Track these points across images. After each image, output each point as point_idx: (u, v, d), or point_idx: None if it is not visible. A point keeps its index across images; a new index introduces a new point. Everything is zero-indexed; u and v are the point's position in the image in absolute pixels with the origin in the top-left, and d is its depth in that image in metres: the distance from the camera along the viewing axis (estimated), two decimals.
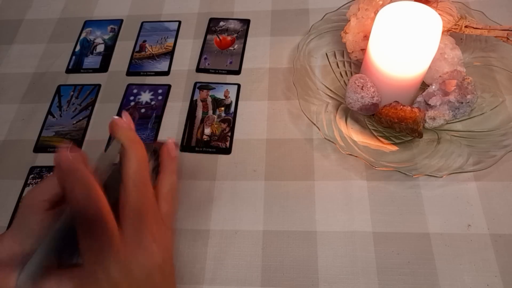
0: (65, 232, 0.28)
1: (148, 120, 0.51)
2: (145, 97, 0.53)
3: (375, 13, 0.44)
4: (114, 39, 0.59)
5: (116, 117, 0.33)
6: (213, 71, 0.54)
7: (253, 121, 0.49)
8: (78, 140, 0.50)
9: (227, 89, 0.52)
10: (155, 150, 0.36)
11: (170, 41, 0.58)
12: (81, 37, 0.60)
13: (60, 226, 0.28)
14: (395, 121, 0.42)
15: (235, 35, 0.58)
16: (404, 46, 0.40)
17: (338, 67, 0.51)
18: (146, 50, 0.58)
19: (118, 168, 0.31)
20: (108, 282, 0.27)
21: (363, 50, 0.49)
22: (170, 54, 0.57)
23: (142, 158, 0.31)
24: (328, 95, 0.48)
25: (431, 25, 0.39)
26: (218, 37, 0.58)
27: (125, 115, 0.33)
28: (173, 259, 0.33)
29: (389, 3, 0.43)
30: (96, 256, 0.27)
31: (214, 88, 0.53)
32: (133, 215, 0.29)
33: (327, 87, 0.49)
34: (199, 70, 0.55)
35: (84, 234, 0.27)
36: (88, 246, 0.27)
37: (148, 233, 0.29)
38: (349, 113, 0.47)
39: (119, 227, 0.28)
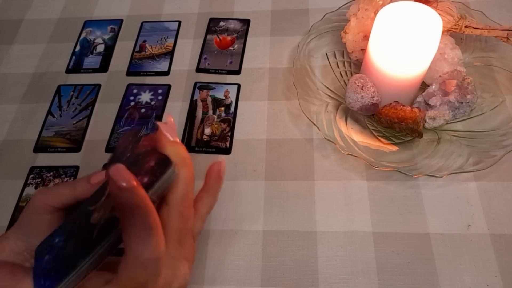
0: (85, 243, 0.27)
1: (148, 120, 0.51)
2: (145, 97, 0.53)
3: (375, 13, 0.44)
4: (114, 39, 0.59)
5: (161, 123, 0.28)
6: (213, 71, 0.54)
7: (253, 121, 0.49)
8: (78, 140, 0.50)
9: (227, 89, 0.52)
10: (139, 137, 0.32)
11: (170, 41, 0.58)
12: (81, 37, 0.60)
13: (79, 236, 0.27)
14: (395, 121, 0.42)
15: (235, 35, 0.58)
16: (404, 46, 0.40)
17: (338, 67, 0.51)
18: (146, 50, 0.58)
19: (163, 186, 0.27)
20: None
21: (363, 50, 0.49)
22: (170, 54, 0.57)
23: (190, 180, 0.28)
24: (328, 95, 0.48)
25: (431, 25, 0.39)
26: (218, 37, 0.58)
27: (170, 120, 0.28)
28: None
29: (389, 3, 0.43)
30: (136, 278, 0.26)
31: (214, 88, 0.53)
32: (174, 242, 0.28)
33: (327, 87, 0.49)
34: (199, 70, 0.55)
35: (137, 274, 0.26)
36: (135, 283, 0.26)
37: (184, 258, 0.29)
38: (349, 113, 0.47)
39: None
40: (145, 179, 0.26)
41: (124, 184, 0.24)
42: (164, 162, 0.27)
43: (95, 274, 0.27)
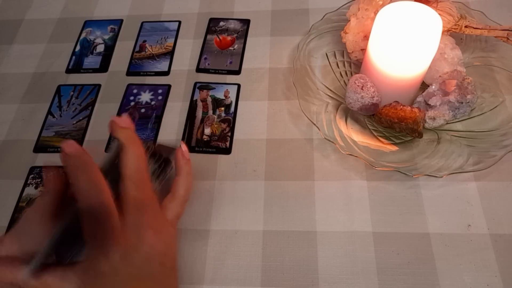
0: (67, 232, 0.29)
1: (148, 120, 0.51)
2: (145, 97, 0.53)
3: (375, 13, 0.44)
4: (114, 39, 0.59)
5: (116, 116, 0.34)
6: (213, 71, 0.54)
7: (253, 121, 0.49)
8: (78, 140, 0.50)
9: (227, 89, 0.52)
10: (154, 153, 0.36)
11: (170, 41, 0.58)
12: (81, 37, 0.60)
13: (63, 226, 0.29)
14: (395, 121, 0.42)
15: (235, 35, 0.58)
16: (404, 46, 0.40)
17: (338, 67, 0.51)
18: (146, 50, 0.58)
19: (117, 166, 0.31)
20: (110, 268, 0.28)
21: (363, 50, 0.49)
22: (170, 54, 0.57)
23: (140, 155, 0.32)
24: (328, 95, 0.48)
25: (431, 25, 0.39)
26: (218, 37, 0.58)
27: (125, 116, 0.35)
28: (176, 258, 0.34)
29: (389, 3, 0.43)
30: (99, 243, 0.28)
31: (214, 88, 0.53)
32: (132, 208, 0.30)
33: (327, 87, 0.49)
34: (199, 70, 0.55)
35: (88, 222, 0.28)
36: (92, 234, 0.28)
37: (147, 226, 0.30)
38: (349, 113, 0.47)
39: (120, 219, 0.29)
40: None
41: (68, 149, 0.29)
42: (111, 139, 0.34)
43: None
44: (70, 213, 0.29)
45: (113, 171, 0.31)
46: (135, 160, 0.31)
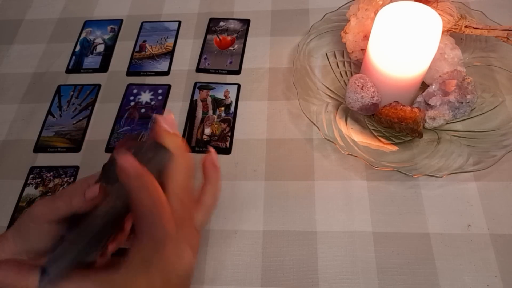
0: (92, 241, 0.28)
1: (148, 120, 0.51)
2: (145, 97, 0.53)
3: (375, 13, 0.44)
4: (114, 39, 0.59)
5: (159, 115, 0.30)
6: (213, 71, 0.54)
7: (253, 121, 0.49)
8: (78, 140, 0.50)
9: (227, 89, 0.52)
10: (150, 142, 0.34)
11: (170, 41, 0.58)
12: (81, 37, 0.60)
13: (88, 236, 0.28)
14: (395, 121, 0.42)
15: (235, 35, 0.58)
16: (404, 46, 0.40)
17: (338, 67, 0.51)
18: (146, 50, 0.58)
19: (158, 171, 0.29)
20: (147, 286, 0.27)
21: (363, 50, 0.49)
22: (170, 54, 0.57)
23: (188, 167, 0.30)
24: (328, 95, 0.48)
25: (431, 25, 0.39)
26: (218, 37, 0.58)
27: (169, 114, 0.31)
28: None
29: (389, 3, 0.43)
30: (146, 262, 0.27)
31: (214, 88, 0.53)
32: (176, 225, 0.28)
33: (327, 87, 0.49)
34: (199, 70, 0.55)
35: (144, 243, 0.27)
36: (143, 254, 0.27)
37: (186, 242, 0.29)
38: (349, 113, 0.47)
39: None
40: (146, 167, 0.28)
41: (128, 165, 0.27)
42: (163, 153, 0.29)
43: (102, 261, 0.29)
44: (95, 220, 0.28)
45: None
46: (183, 174, 0.29)
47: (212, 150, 0.35)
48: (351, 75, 0.50)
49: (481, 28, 0.46)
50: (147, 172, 0.27)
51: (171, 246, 0.28)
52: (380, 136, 0.45)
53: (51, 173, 0.47)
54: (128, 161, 0.27)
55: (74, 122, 0.52)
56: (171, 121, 0.31)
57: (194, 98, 0.52)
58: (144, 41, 0.59)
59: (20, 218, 0.31)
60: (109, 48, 0.58)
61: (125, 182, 0.27)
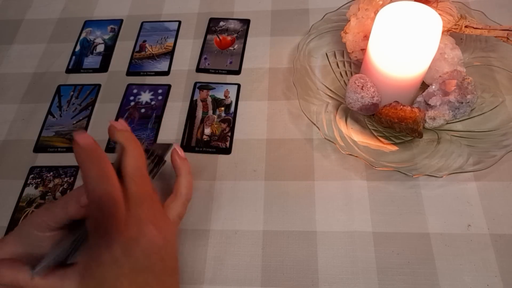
0: (77, 240, 0.31)
1: (148, 120, 0.51)
2: (145, 97, 0.53)
3: (375, 13, 0.44)
4: (114, 39, 0.59)
5: (113, 121, 0.35)
6: (213, 71, 0.54)
7: (253, 121, 0.49)
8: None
9: (227, 89, 0.52)
10: (147, 150, 0.37)
11: (170, 41, 0.58)
12: (81, 37, 0.60)
13: (74, 236, 0.31)
14: (395, 121, 0.42)
15: (235, 35, 0.58)
16: (404, 46, 0.40)
17: (338, 67, 0.51)
18: (146, 50, 0.58)
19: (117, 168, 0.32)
20: (111, 259, 0.28)
21: (363, 50, 0.49)
22: (170, 54, 0.57)
23: (139, 154, 0.33)
24: (328, 95, 0.48)
25: (431, 25, 0.39)
26: (218, 37, 0.58)
27: (121, 120, 0.35)
28: (177, 257, 0.34)
29: (389, 3, 0.43)
30: (103, 233, 0.28)
31: (214, 88, 0.53)
32: (133, 203, 0.30)
33: (327, 87, 0.49)
34: (199, 70, 0.55)
35: (95, 212, 0.28)
36: (97, 224, 0.29)
37: (148, 221, 0.31)
38: (349, 113, 0.47)
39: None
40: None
41: (81, 141, 0.29)
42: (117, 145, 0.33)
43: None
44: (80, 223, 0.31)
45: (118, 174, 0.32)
46: (134, 159, 0.32)
47: (175, 144, 0.40)
48: (351, 75, 0.50)
49: (481, 28, 0.46)
50: (98, 147, 0.29)
51: (127, 218, 0.29)
52: (380, 136, 0.45)
53: (51, 173, 0.47)
54: (83, 136, 0.29)
55: (74, 122, 0.52)
56: (123, 122, 0.35)
57: (194, 98, 0.52)
58: (144, 41, 0.59)
59: (22, 225, 0.33)
60: (109, 48, 0.59)
61: (77, 154, 0.29)
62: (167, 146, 0.41)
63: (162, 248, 0.31)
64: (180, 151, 0.39)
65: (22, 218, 0.44)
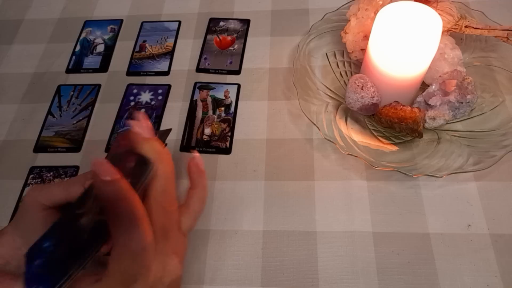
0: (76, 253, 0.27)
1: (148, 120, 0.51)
2: (145, 97, 0.53)
3: (375, 13, 0.44)
4: (114, 39, 0.59)
5: (133, 122, 0.29)
6: (213, 71, 0.54)
7: (253, 121, 0.49)
8: (78, 140, 0.50)
9: (227, 89, 0.52)
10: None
11: (170, 41, 0.58)
12: (81, 37, 0.60)
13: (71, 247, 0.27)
14: (395, 121, 0.42)
15: (235, 35, 0.58)
16: (404, 46, 0.40)
17: (338, 67, 0.51)
18: (146, 50, 0.58)
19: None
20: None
21: (363, 50, 0.49)
22: (170, 54, 0.57)
23: (169, 174, 0.29)
24: (328, 95, 0.48)
25: (431, 25, 0.39)
26: (218, 37, 0.58)
27: (142, 116, 0.30)
28: None
29: (389, 3, 0.43)
30: (129, 281, 0.26)
31: (214, 88, 0.53)
32: (159, 236, 0.28)
33: (327, 87, 0.49)
34: (199, 70, 0.55)
35: (125, 264, 0.26)
36: (124, 274, 0.26)
37: (172, 252, 0.29)
38: (349, 113, 0.47)
39: None
40: (128, 180, 0.26)
41: (108, 178, 0.24)
42: (143, 162, 0.27)
43: (83, 274, 0.27)
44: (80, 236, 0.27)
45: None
46: (164, 180, 0.28)
47: (196, 154, 0.34)
48: (351, 75, 0.50)
49: (481, 28, 0.46)
50: (122, 179, 0.26)
51: (154, 256, 0.27)
52: (380, 136, 0.45)
53: (51, 173, 0.47)
54: (103, 165, 0.25)
55: (74, 122, 0.52)
56: (145, 123, 0.29)
57: (194, 98, 0.52)
58: (144, 41, 0.59)
59: (17, 212, 0.32)
60: (109, 48, 0.58)
61: (99, 188, 0.26)
62: (168, 131, 0.40)
63: (180, 274, 0.30)
64: (200, 163, 0.34)
65: None
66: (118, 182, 0.25)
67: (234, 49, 0.56)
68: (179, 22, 0.60)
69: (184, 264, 0.32)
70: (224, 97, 0.52)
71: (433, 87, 0.44)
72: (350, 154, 0.42)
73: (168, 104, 0.52)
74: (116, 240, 0.26)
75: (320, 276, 0.39)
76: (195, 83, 0.53)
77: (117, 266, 0.26)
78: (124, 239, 0.26)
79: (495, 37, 0.46)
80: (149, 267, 0.27)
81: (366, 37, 0.47)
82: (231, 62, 0.55)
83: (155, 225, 0.27)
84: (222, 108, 0.51)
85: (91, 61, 0.57)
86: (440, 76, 0.45)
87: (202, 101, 0.52)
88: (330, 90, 0.49)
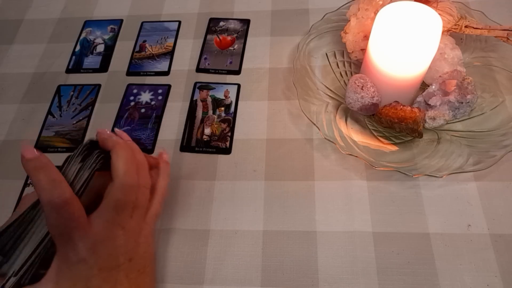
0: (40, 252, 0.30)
1: (148, 120, 0.51)
2: (145, 97, 0.53)
3: (375, 13, 0.44)
4: (114, 39, 0.59)
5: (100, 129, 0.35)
6: (213, 71, 0.54)
7: (253, 121, 0.49)
8: (78, 140, 0.50)
9: (227, 89, 0.52)
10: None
11: (170, 41, 0.58)
12: (81, 37, 0.60)
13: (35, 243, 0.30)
14: (395, 121, 0.42)
15: (235, 35, 0.58)
16: (404, 46, 0.40)
17: (338, 67, 0.51)
18: (146, 50, 0.58)
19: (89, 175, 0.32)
20: (78, 258, 0.29)
21: (363, 50, 0.49)
22: (170, 54, 0.57)
23: (130, 159, 0.33)
24: (328, 95, 0.48)
25: (431, 25, 0.39)
26: (218, 37, 0.58)
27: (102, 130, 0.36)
28: (154, 256, 0.35)
29: (389, 3, 0.43)
30: (65, 234, 0.29)
31: (214, 88, 0.53)
32: (110, 206, 0.31)
33: (327, 87, 0.49)
34: (199, 70, 0.55)
35: (51, 216, 0.29)
36: (56, 226, 0.29)
37: (118, 224, 0.32)
38: (349, 113, 0.47)
39: (94, 213, 0.31)
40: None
41: (27, 154, 0.30)
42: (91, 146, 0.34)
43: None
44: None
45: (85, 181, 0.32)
46: (124, 164, 0.33)
47: (163, 150, 0.41)
48: (351, 75, 0.50)
49: (481, 28, 0.46)
50: (44, 157, 0.30)
51: (98, 224, 0.30)
52: (380, 136, 0.45)
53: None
54: (28, 151, 0.30)
55: (74, 122, 0.52)
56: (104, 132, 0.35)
57: (194, 98, 0.52)
58: (144, 41, 0.59)
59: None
60: (109, 48, 0.59)
61: (25, 167, 0.30)
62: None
63: (130, 250, 0.32)
64: (166, 155, 0.40)
65: None
66: (39, 157, 0.30)
67: (234, 49, 0.56)
68: (179, 22, 0.60)
69: (150, 255, 0.35)
70: (224, 97, 0.52)
71: (433, 87, 0.44)
72: (350, 154, 0.42)
73: (168, 104, 0.52)
74: (41, 198, 0.29)
75: (320, 276, 0.39)
76: (195, 83, 0.53)
77: (51, 227, 0.29)
78: (45, 196, 0.29)
79: (495, 37, 0.46)
80: (74, 219, 0.29)
81: (366, 37, 0.47)
82: (231, 62, 0.55)
83: (109, 199, 0.32)
84: (222, 108, 0.51)
85: (91, 61, 0.57)
86: (440, 76, 0.45)
87: (202, 101, 0.52)
88: (330, 90, 0.49)
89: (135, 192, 0.33)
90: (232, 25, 0.59)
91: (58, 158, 0.48)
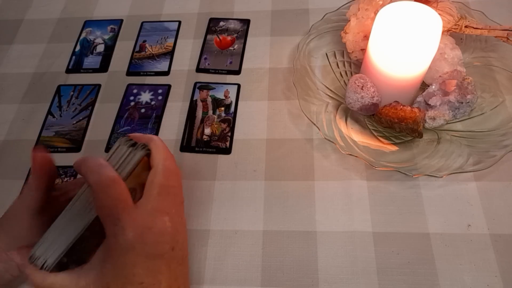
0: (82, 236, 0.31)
1: (148, 120, 0.51)
2: (145, 97, 0.53)
3: (375, 13, 0.44)
4: (114, 39, 0.59)
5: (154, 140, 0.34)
6: (213, 71, 0.54)
7: (253, 121, 0.49)
8: (78, 140, 0.50)
9: (227, 89, 0.52)
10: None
11: (170, 41, 0.58)
12: (81, 37, 0.60)
13: (78, 230, 0.31)
14: (395, 121, 0.42)
15: (235, 35, 0.58)
16: (404, 46, 0.40)
17: (338, 67, 0.51)
18: (146, 50, 0.58)
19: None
20: (128, 247, 0.29)
21: (363, 50, 0.49)
22: (170, 54, 0.57)
23: (165, 149, 0.33)
24: (328, 95, 0.48)
25: (431, 25, 0.40)
26: (218, 37, 0.58)
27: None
28: (187, 249, 0.34)
29: (389, 3, 0.43)
30: (114, 217, 0.29)
31: (214, 88, 0.53)
32: (155, 193, 0.31)
33: (327, 87, 0.49)
34: (199, 70, 0.55)
35: (102, 201, 0.29)
36: (107, 213, 0.29)
37: (163, 211, 0.31)
38: (349, 113, 0.47)
39: (140, 200, 0.31)
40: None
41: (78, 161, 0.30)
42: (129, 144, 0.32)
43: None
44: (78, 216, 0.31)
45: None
46: (163, 151, 0.32)
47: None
48: (351, 75, 0.50)
49: (481, 28, 0.46)
50: (89, 157, 0.30)
51: (144, 212, 0.30)
52: (380, 136, 0.45)
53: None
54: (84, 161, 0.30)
55: (74, 122, 0.52)
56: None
57: (194, 98, 0.52)
58: (144, 41, 0.59)
59: (3, 216, 0.34)
60: (109, 48, 0.59)
61: (77, 169, 0.30)
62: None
63: (173, 238, 0.31)
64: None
65: None
66: (87, 160, 0.30)
67: (234, 49, 0.56)
68: (179, 22, 0.60)
69: (186, 245, 0.33)
70: (224, 97, 0.52)
71: (433, 87, 0.44)
72: (350, 154, 0.42)
73: (168, 104, 0.52)
74: (89, 179, 0.29)
75: (320, 276, 0.39)
76: (195, 83, 0.53)
77: (100, 209, 0.29)
78: (92, 173, 0.29)
79: (495, 37, 0.46)
80: (125, 201, 0.29)
81: (366, 37, 0.47)
82: (231, 62, 0.55)
83: (152, 185, 0.31)
84: (222, 108, 0.51)
85: (91, 61, 0.57)
86: (440, 76, 0.45)
87: (202, 101, 0.52)
88: (330, 90, 0.49)
89: (176, 177, 0.33)
90: (232, 25, 0.59)
91: (58, 158, 0.49)
